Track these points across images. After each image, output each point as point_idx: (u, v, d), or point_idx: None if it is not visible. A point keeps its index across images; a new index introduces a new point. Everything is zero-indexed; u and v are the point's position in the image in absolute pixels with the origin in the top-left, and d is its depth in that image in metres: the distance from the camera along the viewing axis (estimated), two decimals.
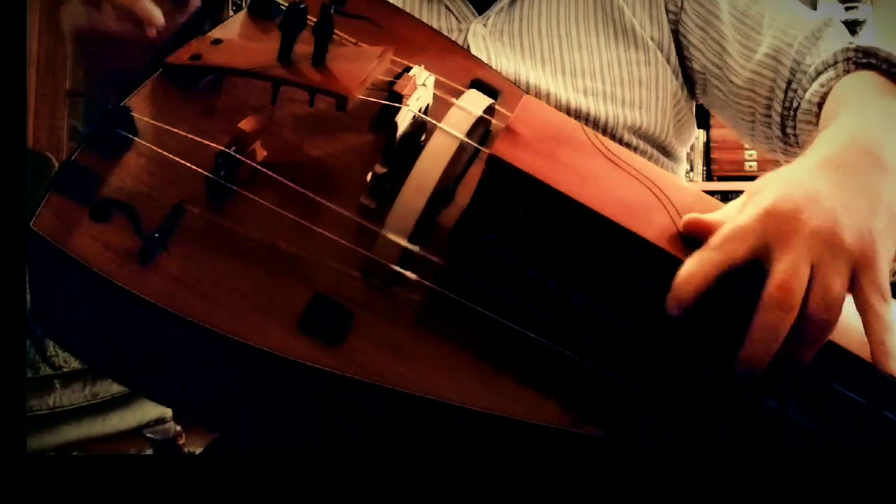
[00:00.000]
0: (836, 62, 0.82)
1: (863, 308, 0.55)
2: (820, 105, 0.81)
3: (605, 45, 0.92)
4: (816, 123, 0.82)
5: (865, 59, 0.80)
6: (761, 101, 0.90)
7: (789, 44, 0.88)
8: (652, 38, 0.93)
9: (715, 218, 0.58)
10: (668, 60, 0.93)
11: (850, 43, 0.82)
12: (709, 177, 3.30)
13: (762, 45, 0.89)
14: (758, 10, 0.91)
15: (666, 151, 0.96)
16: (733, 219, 0.56)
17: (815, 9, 3.36)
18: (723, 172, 3.21)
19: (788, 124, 0.89)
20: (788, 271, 0.53)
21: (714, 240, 0.56)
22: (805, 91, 0.85)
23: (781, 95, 0.88)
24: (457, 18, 0.93)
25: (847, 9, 2.63)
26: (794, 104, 0.86)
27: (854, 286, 0.55)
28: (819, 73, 0.83)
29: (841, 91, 0.80)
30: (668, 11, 0.94)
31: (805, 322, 0.53)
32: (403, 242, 0.61)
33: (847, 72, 0.81)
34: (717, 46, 0.91)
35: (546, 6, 0.93)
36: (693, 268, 0.55)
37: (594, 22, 0.93)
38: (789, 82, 0.87)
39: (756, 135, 0.94)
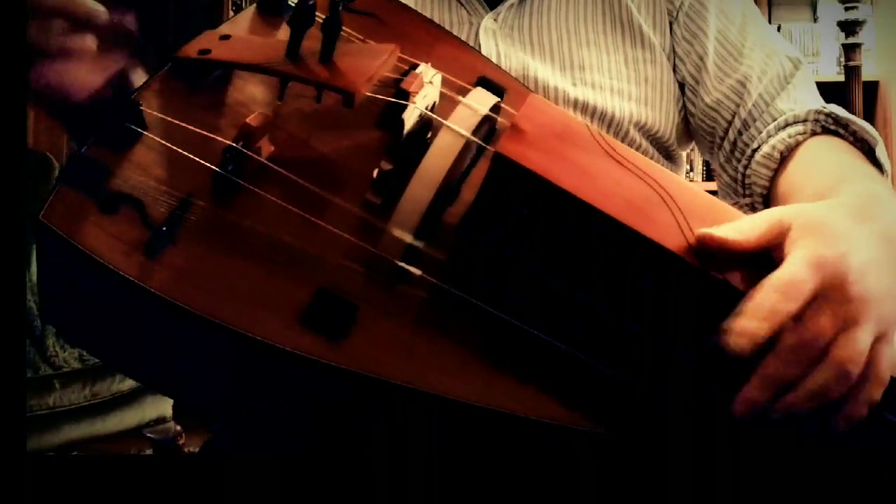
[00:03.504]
0: (806, 120, 0.86)
1: (874, 373, 0.56)
2: (783, 154, 0.86)
3: (613, 42, 0.93)
4: (775, 169, 0.87)
5: (835, 127, 0.84)
6: (722, 125, 0.94)
7: (759, 78, 0.92)
8: (657, 41, 0.94)
9: (730, 236, 0.57)
10: (670, 63, 0.95)
11: (824, 106, 0.87)
12: (709, 177, 3.31)
13: (737, 72, 0.93)
14: (739, 38, 0.95)
15: (667, 153, 0.97)
16: (791, 269, 0.55)
17: (815, 9, 3.37)
18: None
19: (737, 157, 0.93)
20: (850, 344, 0.54)
21: (774, 290, 0.55)
22: (769, 136, 0.89)
23: (739, 125, 0.92)
24: (468, 12, 0.94)
25: (847, 9, 2.63)
26: (754, 144, 0.90)
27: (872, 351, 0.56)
28: (787, 125, 0.88)
29: (817, 151, 0.84)
30: (668, 20, 0.96)
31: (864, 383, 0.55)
32: (408, 238, 0.61)
33: (814, 132, 0.85)
34: (698, 61, 0.94)
35: (556, 4, 0.94)
36: (755, 317, 0.54)
37: (602, 20, 0.94)
38: (751, 115, 0.92)
39: (714, 156, 0.98)
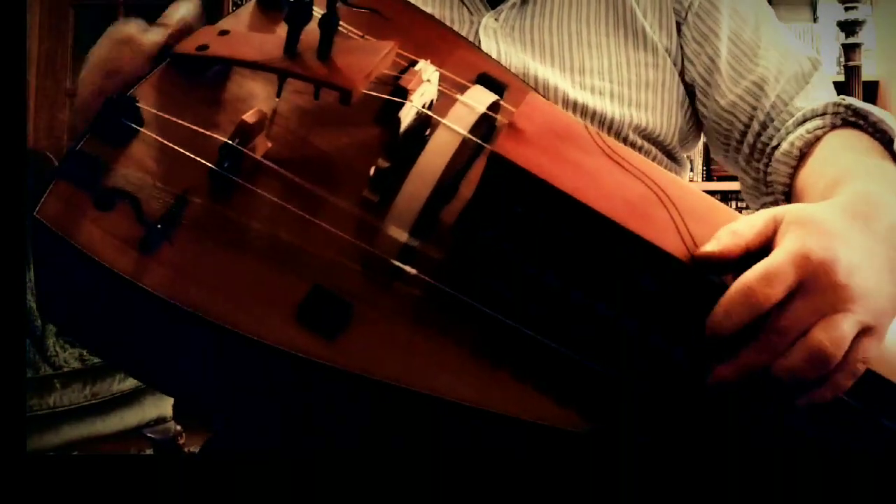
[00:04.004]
0: (825, 113, 0.85)
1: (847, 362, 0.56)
2: (801, 150, 0.84)
3: (615, 45, 0.92)
4: (795, 166, 0.85)
5: (854, 119, 0.83)
6: (739, 127, 0.93)
7: (776, 78, 0.91)
8: (661, 43, 0.93)
9: (725, 245, 0.57)
10: (675, 65, 0.94)
11: (842, 98, 0.85)
12: (709, 177, 3.31)
13: (752, 73, 0.92)
14: (754, 38, 0.94)
15: (671, 155, 0.96)
16: (772, 259, 0.55)
17: (814, 9, 3.37)
18: (723, 172, 3.21)
19: (756, 157, 0.92)
20: (833, 333, 0.54)
21: (753, 279, 0.55)
22: (788, 132, 0.88)
23: (758, 126, 0.91)
24: (469, 11, 0.93)
25: (847, 9, 2.62)
26: (774, 142, 0.89)
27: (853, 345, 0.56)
28: (806, 120, 0.87)
29: (834, 146, 0.82)
30: (676, 21, 0.95)
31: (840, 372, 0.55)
32: (404, 237, 0.61)
33: (834, 126, 0.84)
34: (709, 63, 0.93)
35: (558, 4, 0.94)
36: (733, 307, 0.54)
37: (605, 22, 0.93)
38: (769, 115, 0.91)
39: (728, 157, 0.97)
